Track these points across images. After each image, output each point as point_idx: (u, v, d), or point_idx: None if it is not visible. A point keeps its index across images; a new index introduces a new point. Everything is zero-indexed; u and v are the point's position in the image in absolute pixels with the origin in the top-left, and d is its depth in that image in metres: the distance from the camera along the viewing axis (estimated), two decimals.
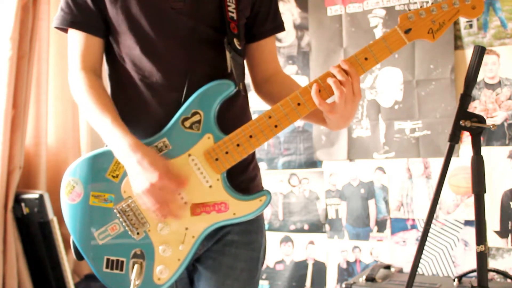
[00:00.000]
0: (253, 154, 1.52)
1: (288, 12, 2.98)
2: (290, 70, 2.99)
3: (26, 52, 2.70)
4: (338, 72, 1.29)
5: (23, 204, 2.66)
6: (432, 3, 1.34)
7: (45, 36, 2.85)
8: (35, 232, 2.66)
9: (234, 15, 1.42)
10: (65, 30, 1.43)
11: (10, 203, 2.65)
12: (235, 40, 1.40)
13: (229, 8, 1.41)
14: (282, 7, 1.75)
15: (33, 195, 2.65)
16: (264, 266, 3.06)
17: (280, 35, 2.97)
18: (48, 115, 2.94)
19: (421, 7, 1.35)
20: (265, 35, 1.53)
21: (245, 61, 1.56)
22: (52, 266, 2.67)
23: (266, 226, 3.05)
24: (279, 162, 3.04)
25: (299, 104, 1.33)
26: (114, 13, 1.37)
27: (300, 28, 2.97)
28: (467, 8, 1.34)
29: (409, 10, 1.34)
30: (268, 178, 3.05)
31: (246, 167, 1.47)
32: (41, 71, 2.87)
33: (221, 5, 1.41)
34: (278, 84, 1.53)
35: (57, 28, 1.44)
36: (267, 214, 3.06)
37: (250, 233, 1.47)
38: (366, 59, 1.32)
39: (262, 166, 3.06)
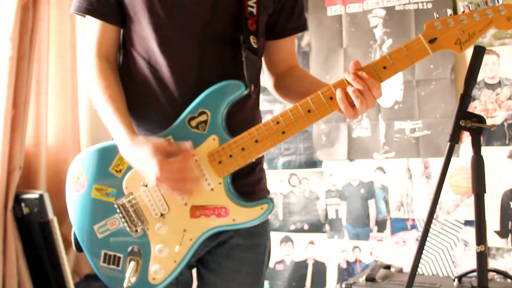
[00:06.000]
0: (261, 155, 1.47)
1: None
2: None
3: (26, 52, 2.69)
4: (353, 79, 1.22)
5: (23, 204, 2.66)
6: (462, 12, 1.23)
7: (45, 36, 2.84)
8: (35, 232, 2.66)
9: (254, 11, 1.35)
10: (84, 15, 1.41)
11: (10, 203, 2.65)
12: (251, 38, 1.34)
13: (249, 3, 1.33)
14: None
15: (33, 195, 2.64)
16: None
17: None
18: (48, 115, 2.93)
19: (450, 15, 1.23)
20: (287, 33, 1.47)
21: (262, 59, 1.50)
22: (52, 266, 2.67)
23: None
24: (279, 162, 3.04)
25: (309, 111, 1.26)
26: (130, 1, 1.34)
27: None
28: (502, 18, 1.21)
29: (437, 17, 1.23)
30: (268, 178, 3.02)
31: (252, 169, 1.44)
32: (41, 71, 2.86)
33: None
34: (295, 78, 1.47)
35: (74, 13, 1.41)
36: None
37: (255, 236, 1.44)
38: (384, 68, 1.23)
39: None
